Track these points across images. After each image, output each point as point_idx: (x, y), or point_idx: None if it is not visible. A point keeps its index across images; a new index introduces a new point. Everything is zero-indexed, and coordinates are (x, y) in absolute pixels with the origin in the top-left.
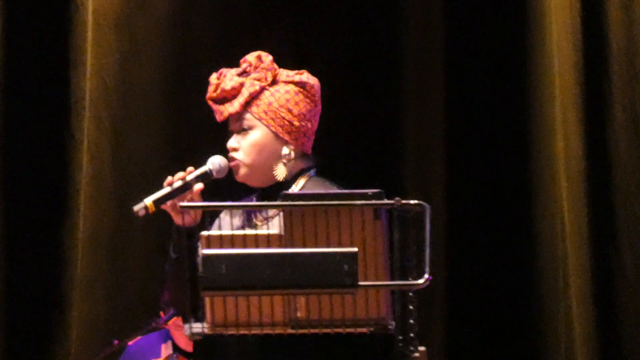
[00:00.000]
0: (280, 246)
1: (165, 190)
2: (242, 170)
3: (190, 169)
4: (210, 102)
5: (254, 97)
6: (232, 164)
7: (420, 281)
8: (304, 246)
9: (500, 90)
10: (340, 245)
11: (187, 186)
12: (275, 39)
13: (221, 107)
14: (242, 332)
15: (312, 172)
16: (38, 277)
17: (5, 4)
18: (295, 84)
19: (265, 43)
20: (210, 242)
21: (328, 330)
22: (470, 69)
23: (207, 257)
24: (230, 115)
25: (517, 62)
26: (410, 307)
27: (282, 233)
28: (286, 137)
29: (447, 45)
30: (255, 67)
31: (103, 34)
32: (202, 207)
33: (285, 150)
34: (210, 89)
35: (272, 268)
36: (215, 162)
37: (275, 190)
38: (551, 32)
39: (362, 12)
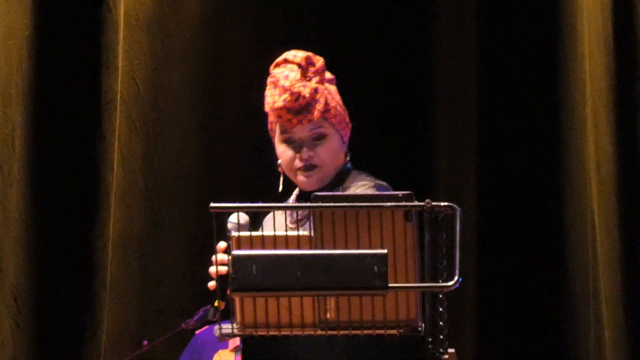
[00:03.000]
0: (310, 247)
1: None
2: (316, 178)
3: (221, 246)
4: (281, 111)
5: (327, 103)
6: (309, 173)
7: (451, 283)
8: (334, 248)
9: (532, 93)
10: (370, 247)
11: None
12: (307, 42)
13: (299, 116)
14: (271, 333)
15: (349, 164)
16: (69, 278)
17: (37, 5)
18: (332, 81)
19: (296, 46)
20: (240, 243)
21: (358, 332)
22: (502, 73)
23: (237, 258)
24: (309, 122)
25: (549, 66)
26: (440, 309)
27: (312, 234)
28: (345, 139)
29: (480, 49)
30: (313, 69)
31: (135, 35)
32: (232, 208)
33: (347, 152)
34: (286, 97)
35: (302, 269)
36: (233, 223)
37: (329, 190)
38: (583, 36)
39: (395, 20)
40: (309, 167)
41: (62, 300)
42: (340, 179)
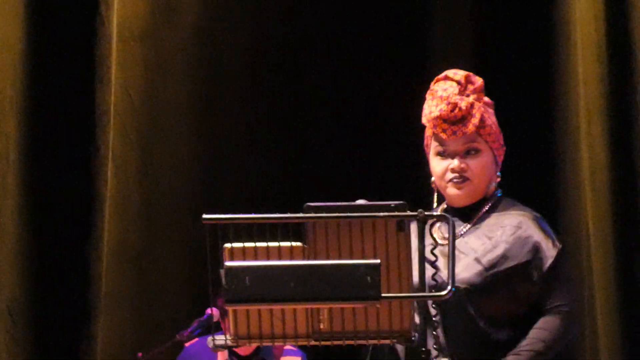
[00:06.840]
0: (303, 258)
1: None
2: (466, 192)
3: None
4: (437, 120)
5: (482, 119)
6: (460, 185)
7: (443, 293)
8: (327, 258)
9: (525, 101)
10: (363, 257)
11: None
12: (304, 51)
13: (454, 127)
14: (265, 344)
15: (499, 191)
16: (64, 290)
17: (30, 18)
18: (491, 105)
19: (292, 56)
20: (233, 254)
21: (351, 342)
22: (495, 80)
23: (230, 270)
24: (463, 135)
25: (542, 74)
26: (434, 318)
27: (306, 245)
28: (499, 160)
29: (475, 55)
30: (472, 87)
31: (128, 47)
32: (225, 219)
33: (498, 173)
34: (442, 107)
35: (295, 280)
36: None
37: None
38: (576, 43)
39: (393, 32)
40: (460, 179)
41: (57, 312)
42: (493, 205)
